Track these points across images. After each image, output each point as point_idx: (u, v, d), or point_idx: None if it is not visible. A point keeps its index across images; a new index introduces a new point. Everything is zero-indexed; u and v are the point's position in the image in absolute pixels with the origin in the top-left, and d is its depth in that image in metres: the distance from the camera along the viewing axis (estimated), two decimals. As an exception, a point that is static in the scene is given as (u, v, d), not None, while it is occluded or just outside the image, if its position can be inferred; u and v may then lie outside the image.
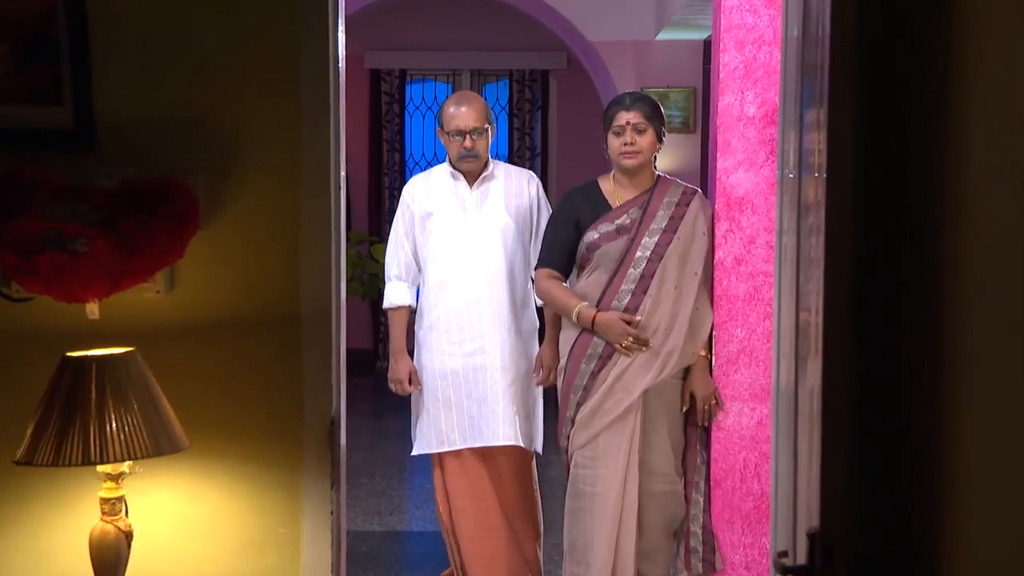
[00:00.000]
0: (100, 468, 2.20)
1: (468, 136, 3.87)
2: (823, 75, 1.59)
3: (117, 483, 2.22)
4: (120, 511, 2.24)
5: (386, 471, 6.12)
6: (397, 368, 4.01)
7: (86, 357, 2.15)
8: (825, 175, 1.55)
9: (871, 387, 1.59)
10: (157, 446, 2.12)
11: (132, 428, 2.09)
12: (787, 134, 2.03)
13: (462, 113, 3.89)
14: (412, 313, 4.09)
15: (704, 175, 6.26)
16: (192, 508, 2.43)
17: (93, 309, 2.22)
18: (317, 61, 2.40)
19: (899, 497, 1.60)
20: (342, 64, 2.49)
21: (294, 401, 2.40)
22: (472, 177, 3.97)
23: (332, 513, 2.44)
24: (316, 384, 2.43)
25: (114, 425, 2.07)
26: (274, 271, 2.40)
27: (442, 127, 3.92)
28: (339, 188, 2.46)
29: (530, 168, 8.55)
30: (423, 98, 9.25)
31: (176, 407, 2.26)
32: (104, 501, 2.22)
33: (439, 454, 3.99)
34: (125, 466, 2.21)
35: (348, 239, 7.53)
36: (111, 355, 2.16)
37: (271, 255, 2.40)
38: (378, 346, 8.71)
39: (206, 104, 2.38)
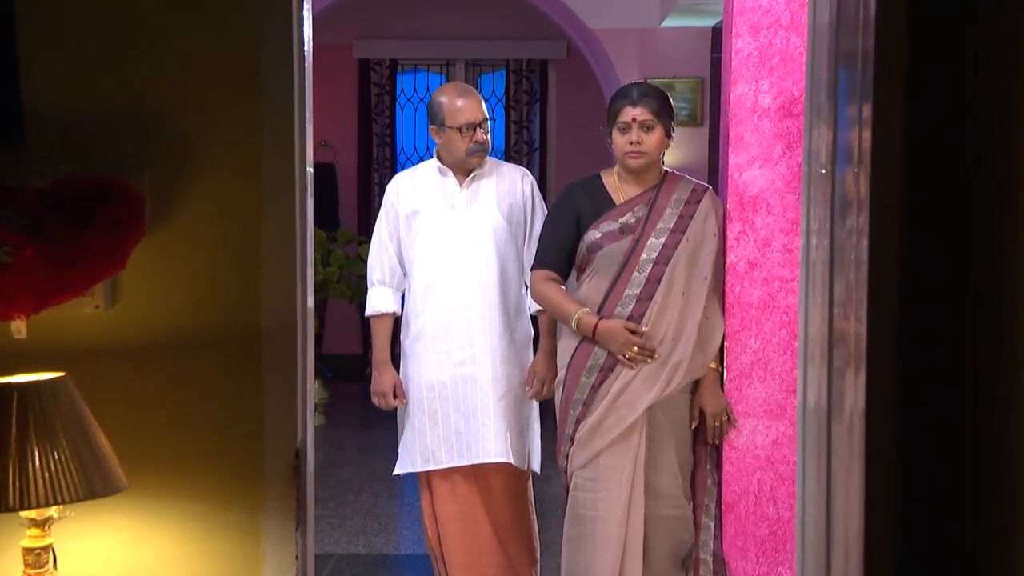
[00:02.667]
0: (23, 514, 1.99)
1: (479, 128, 3.79)
2: (866, 63, 1.47)
3: (43, 530, 2.02)
4: (47, 562, 2.03)
5: (374, 488, 6.00)
6: (381, 380, 3.91)
7: (6, 384, 1.96)
8: (870, 172, 1.44)
9: (926, 412, 1.47)
10: (89, 488, 1.91)
11: (59, 467, 1.88)
12: (817, 127, 1.89)
13: (470, 105, 3.81)
14: (397, 321, 3.99)
15: (712, 172, 6.23)
16: (134, 555, 2.23)
17: (19, 327, 2.03)
18: (279, 46, 2.23)
19: (962, 557, 1.42)
20: (308, 49, 2.31)
21: (254, 431, 2.24)
22: (462, 173, 3.87)
23: (297, 559, 2.26)
24: (279, 411, 2.26)
25: (38, 464, 1.87)
26: (231, 283, 2.24)
27: (443, 123, 3.81)
28: (305, 189, 2.29)
29: (528, 164, 8.65)
30: (415, 89, 9.21)
31: (116, 439, 2.08)
32: (27, 551, 2.01)
33: (427, 473, 3.89)
34: (53, 511, 2.00)
35: (334, 239, 7.56)
36: (36, 382, 1.96)
37: (228, 265, 2.24)
38: (368, 351, 8.63)
39: (154, 94, 2.21)
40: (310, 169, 2.33)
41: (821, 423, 1.95)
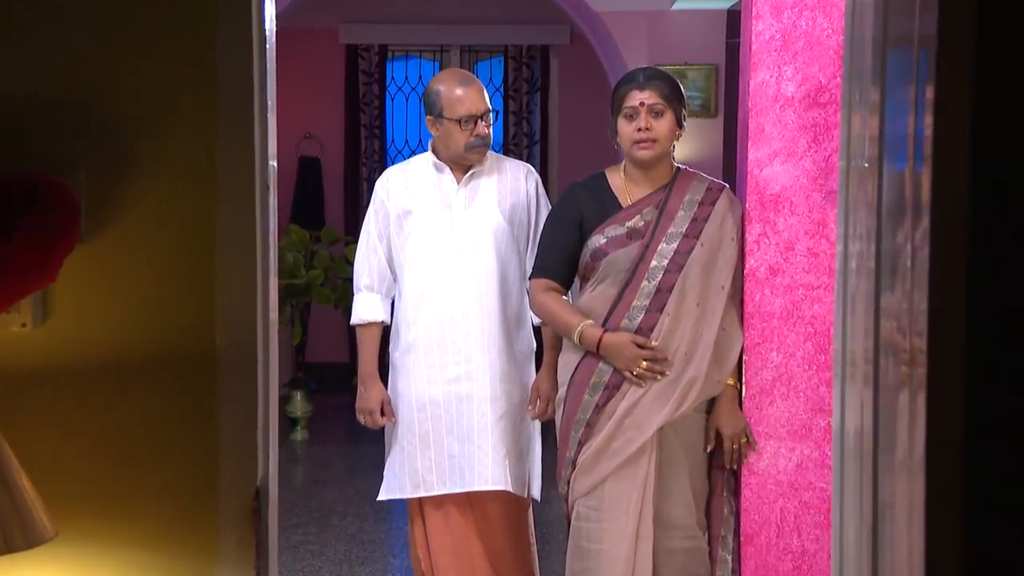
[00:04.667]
0: (-70, 570, 1.83)
1: (481, 121, 3.73)
2: (928, 46, 1.39)
3: (-46, 589, 1.86)
4: (-41, 626, 1.87)
5: (360, 510, 5.93)
6: (367, 396, 3.88)
7: (-89, 419, 1.79)
8: (932, 167, 1.35)
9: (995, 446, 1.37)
10: (6, 540, 1.75)
11: (-28, 516, 1.72)
12: (859, 115, 1.80)
13: (471, 95, 3.74)
14: (386, 330, 3.96)
15: (728, 168, 6.18)
16: (66, 613, 2.08)
17: (-68, 350, 1.87)
18: (237, 25, 2.07)
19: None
20: (271, 28, 2.18)
21: (207, 467, 2.09)
22: (460, 170, 3.82)
23: (256, 614, 2.10)
24: (237, 444, 2.10)
25: (-56, 513, 1.70)
26: (181, 296, 2.09)
27: (441, 114, 3.75)
28: (267, 189, 2.13)
29: (528, 158, 8.73)
30: (406, 78, 9.25)
31: (44, 479, 1.93)
32: (-65, 613, 1.85)
33: (418, 501, 3.85)
34: (-36, 566, 1.84)
35: (319, 239, 7.57)
36: (-54, 416, 1.79)
37: (177, 275, 2.08)
38: (355, 360, 8.63)
39: (92, 80, 2.06)
40: (273, 163, 2.20)
41: (864, 452, 1.84)
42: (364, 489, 6.11)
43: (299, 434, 7.32)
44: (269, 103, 2.16)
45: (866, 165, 1.76)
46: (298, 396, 7.34)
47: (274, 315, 2.22)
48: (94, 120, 2.06)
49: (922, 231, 1.40)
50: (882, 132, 1.63)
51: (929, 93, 1.33)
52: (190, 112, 2.07)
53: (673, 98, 3.38)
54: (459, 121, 3.71)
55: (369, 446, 6.84)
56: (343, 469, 6.71)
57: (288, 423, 7.30)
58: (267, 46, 2.14)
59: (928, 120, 1.33)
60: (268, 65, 2.15)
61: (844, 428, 2.01)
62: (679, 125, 3.41)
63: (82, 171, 2.05)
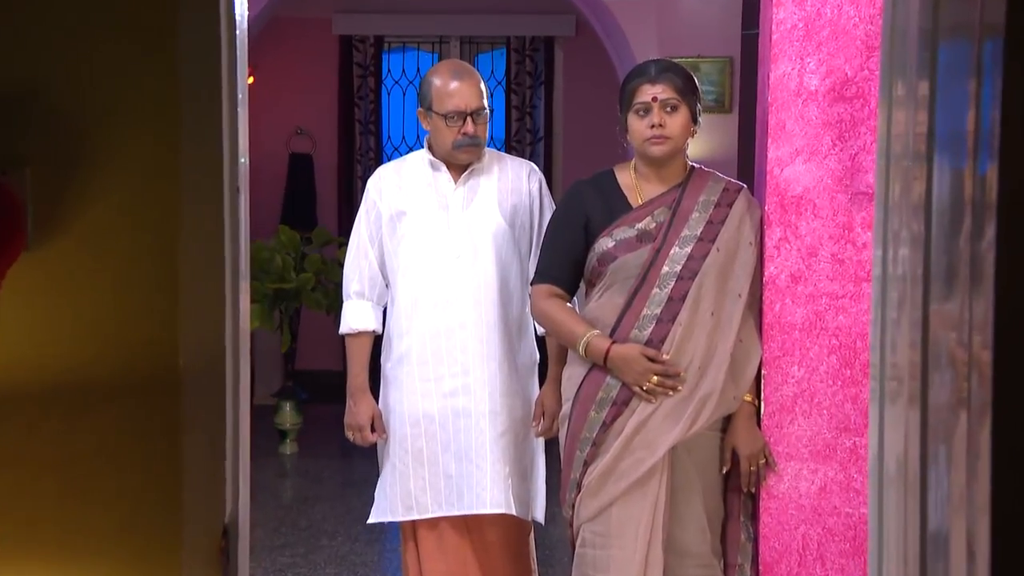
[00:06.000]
0: None
1: (470, 119, 3.67)
2: (993, 36, 1.33)
3: None
4: None
5: (351, 530, 5.86)
6: (356, 411, 3.83)
7: None
8: (999, 165, 1.29)
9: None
10: (-67, 590, 1.64)
11: None
12: (904, 109, 1.72)
13: (462, 89, 3.68)
14: (378, 340, 3.91)
15: (744, 167, 6.16)
16: (8, 668, 1.98)
17: None
18: (201, 9, 2.00)
19: None
20: (242, 12, 2.11)
21: (169, 503, 2.00)
22: (458, 168, 3.77)
23: (223, 667, 2.00)
24: (202, 476, 2.02)
25: None
26: (140, 312, 2.00)
27: (430, 107, 3.71)
28: (237, 191, 2.05)
29: (531, 155, 8.83)
30: (403, 71, 9.26)
31: None
32: None
33: (412, 523, 3.79)
34: None
35: (310, 240, 7.53)
36: None
37: (136, 288, 2.00)
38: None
39: (38, 69, 1.98)
40: (244, 161, 2.11)
41: (909, 479, 1.75)
42: (357, 507, 6.06)
43: (288, 447, 7.27)
44: (240, 95, 2.09)
45: (909, 164, 1.70)
46: (287, 407, 7.29)
47: (245, 331, 2.15)
48: (41, 113, 1.99)
49: (988, 234, 1.33)
50: (931, 129, 1.56)
51: (995, 86, 1.27)
52: (150, 105, 1.99)
53: (687, 92, 3.33)
54: (446, 116, 3.66)
55: (363, 461, 6.82)
56: (335, 485, 6.65)
57: (277, 435, 7.26)
58: (236, 32, 2.07)
59: (995, 115, 1.26)
60: (238, 53, 2.08)
61: (883, 451, 1.93)
62: (694, 121, 3.37)
63: (28, 170, 1.98)
